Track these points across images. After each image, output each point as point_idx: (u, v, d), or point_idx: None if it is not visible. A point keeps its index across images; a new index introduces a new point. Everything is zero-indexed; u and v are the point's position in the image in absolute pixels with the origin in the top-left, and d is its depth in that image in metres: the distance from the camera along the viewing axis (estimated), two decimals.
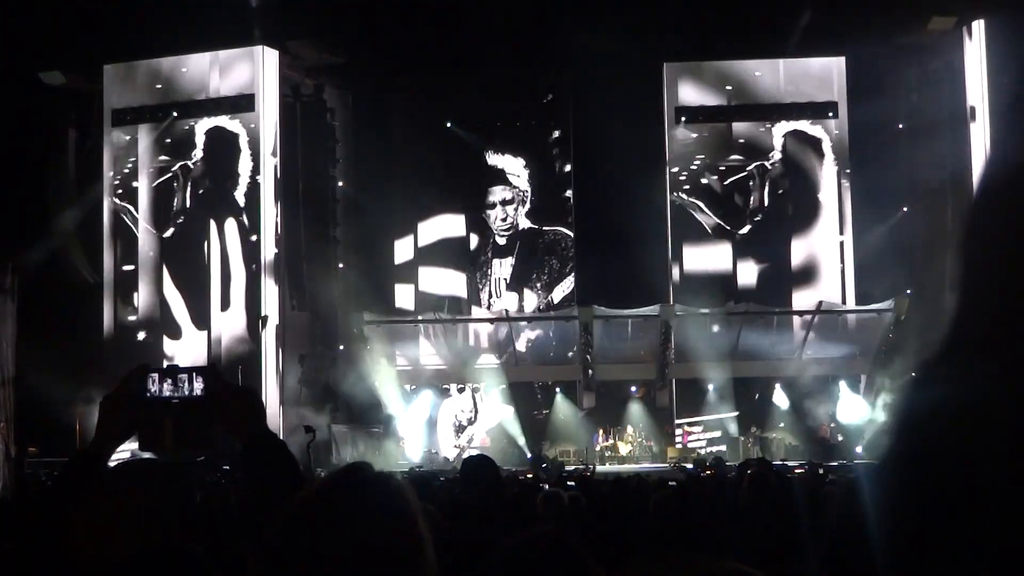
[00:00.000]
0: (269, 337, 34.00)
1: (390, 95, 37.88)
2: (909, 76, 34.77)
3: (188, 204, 35.80)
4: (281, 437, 2.93)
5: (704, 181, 37.23)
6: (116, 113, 36.30)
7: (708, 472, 24.24)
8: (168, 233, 35.94)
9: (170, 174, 36.00)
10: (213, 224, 35.50)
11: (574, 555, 2.78)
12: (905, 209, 35.49)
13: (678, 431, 35.00)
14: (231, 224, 35.29)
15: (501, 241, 38.82)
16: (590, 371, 34.38)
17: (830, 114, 36.76)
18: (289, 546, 1.79)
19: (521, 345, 36.42)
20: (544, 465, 27.57)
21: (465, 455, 33.15)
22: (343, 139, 35.88)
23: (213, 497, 11.20)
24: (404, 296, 38.58)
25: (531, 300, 38.72)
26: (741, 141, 37.28)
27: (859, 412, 33.83)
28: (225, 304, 35.07)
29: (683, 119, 37.07)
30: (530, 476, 20.88)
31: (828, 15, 32.68)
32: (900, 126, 34.91)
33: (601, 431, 34.81)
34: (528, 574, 2.69)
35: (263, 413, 2.86)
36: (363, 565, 1.78)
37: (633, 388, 35.91)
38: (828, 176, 36.85)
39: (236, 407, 2.82)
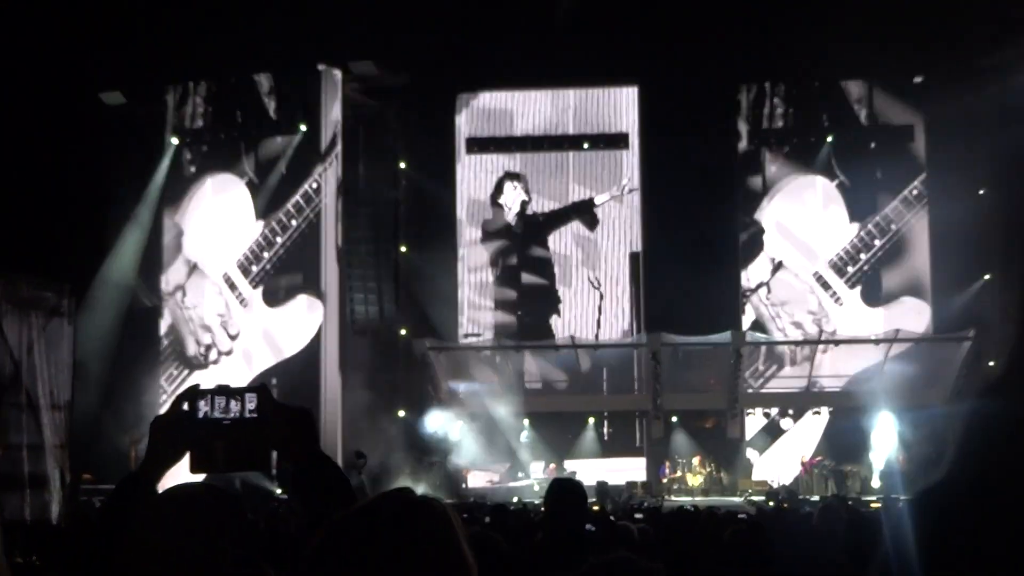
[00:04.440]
0: (330, 361, 33.44)
1: (453, 116, 37.40)
2: (987, 100, 33.59)
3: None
4: (339, 463, 2.87)
5: (779, 205, 36.38)
6: (176, 134, 36.10)
7: (784, 506, 23.52)
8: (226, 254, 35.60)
9: (228, 194, 35.66)
10: None
11: None
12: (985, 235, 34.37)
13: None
14: None
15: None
16: (658, 400, 33.52)
17: (907, 138, 35.84)
18: (327, 569, 1.76)
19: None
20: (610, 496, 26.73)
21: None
22: (405, 160, 35.41)
23: (271, 524, 11.13)
24: (464, 321, 37.89)
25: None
26: (816, 164, 36.39)
27: (937, 445, 32.67)
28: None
29: (756, 141, 36.29)
30: (596, 508, 20.03)
31: (905, 37, 31.73)
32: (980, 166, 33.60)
33: (667, 462, 34.04)
34: None
35: (317, 435, 2.80)
36: None
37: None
38: (908, 203, 35.82)
39: (289, 428, 2.76)
